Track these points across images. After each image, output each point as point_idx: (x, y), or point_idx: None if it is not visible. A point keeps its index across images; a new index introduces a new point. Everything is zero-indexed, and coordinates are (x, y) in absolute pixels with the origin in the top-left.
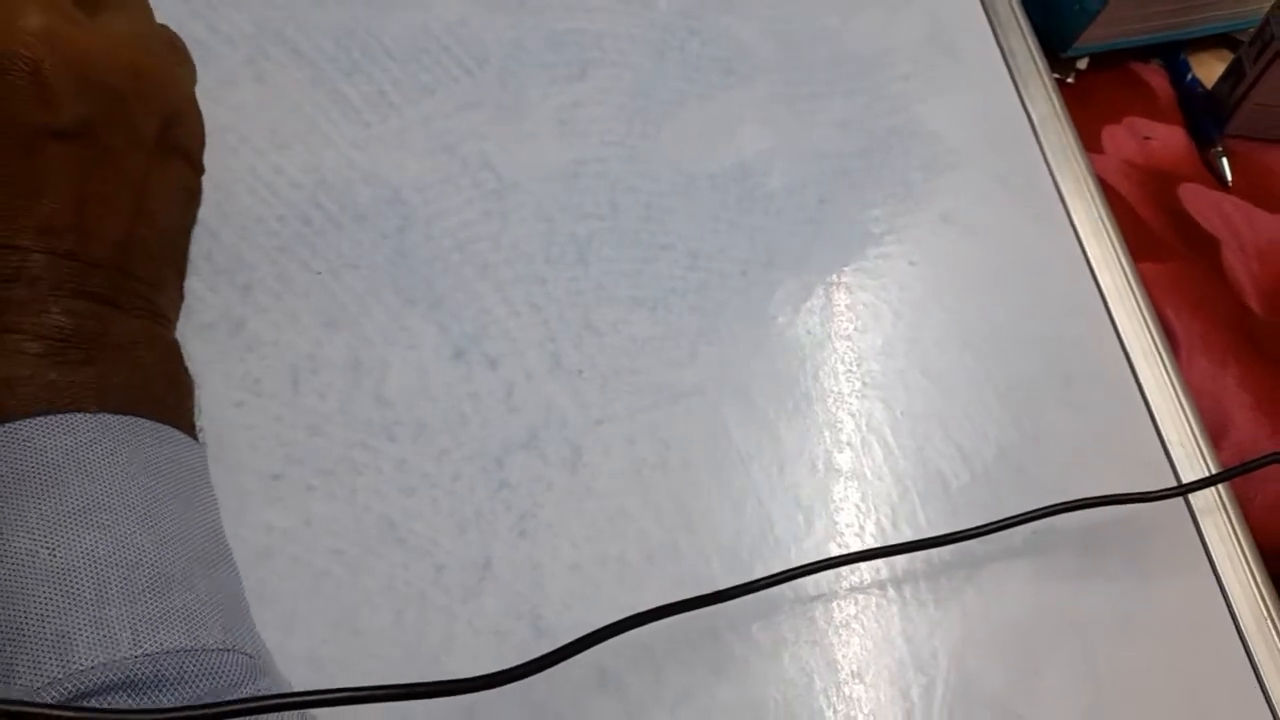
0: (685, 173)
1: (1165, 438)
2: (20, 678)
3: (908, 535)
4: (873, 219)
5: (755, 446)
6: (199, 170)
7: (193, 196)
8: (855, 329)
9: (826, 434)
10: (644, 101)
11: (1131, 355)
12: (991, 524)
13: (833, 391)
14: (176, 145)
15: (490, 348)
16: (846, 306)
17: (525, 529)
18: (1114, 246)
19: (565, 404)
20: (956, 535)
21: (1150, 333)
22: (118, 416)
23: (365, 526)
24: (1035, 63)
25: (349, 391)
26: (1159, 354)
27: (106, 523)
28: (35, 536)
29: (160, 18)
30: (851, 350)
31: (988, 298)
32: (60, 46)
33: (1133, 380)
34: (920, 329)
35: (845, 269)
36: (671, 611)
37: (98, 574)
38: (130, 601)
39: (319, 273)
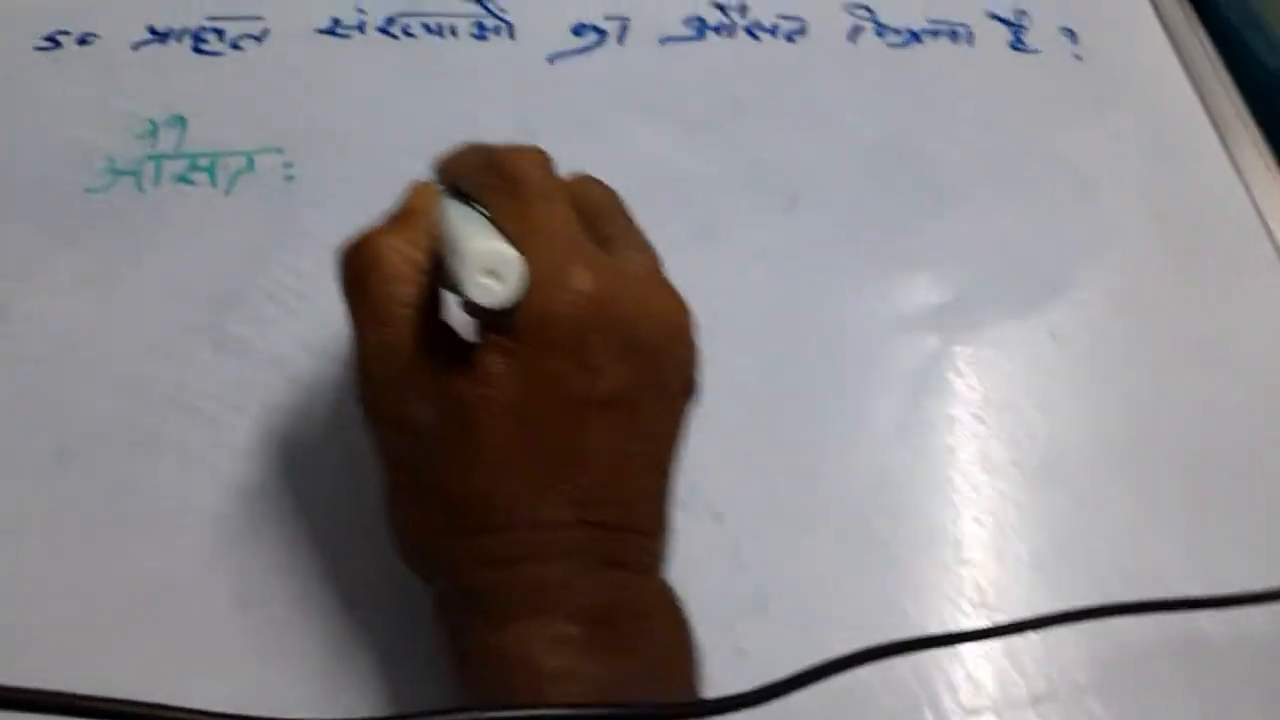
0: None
1: None
2: None
3: None
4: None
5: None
6: (696, 397)
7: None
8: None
9: None
10: (854, 231)
11: None
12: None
13: None
14: (689, 389)
15: (714, 497)
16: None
17: None
18: None
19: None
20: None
21: None
22: None
23: None
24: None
25: None
26: None
27: None
28: None
29: None
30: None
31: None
32: (606, 307)
33: None
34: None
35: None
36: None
37: None
38: None
39: None
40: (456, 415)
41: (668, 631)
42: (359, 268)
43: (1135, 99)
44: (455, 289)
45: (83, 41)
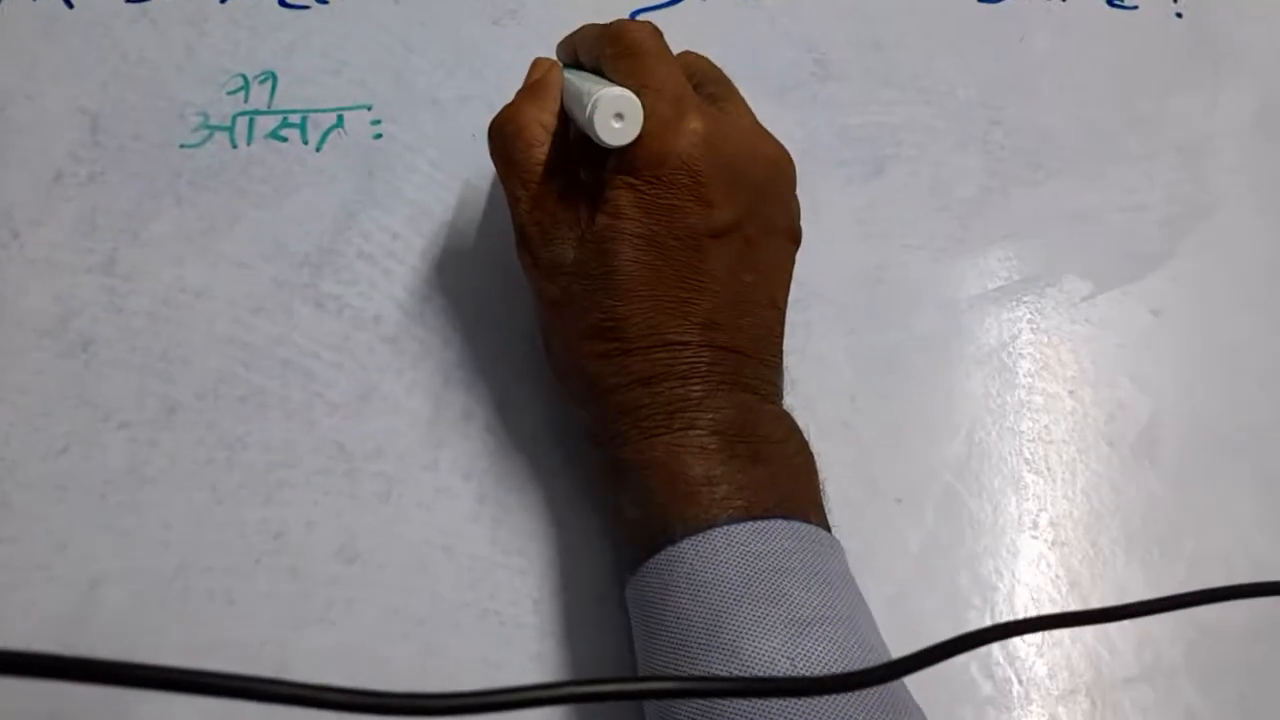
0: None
1: None
2: None
3: None
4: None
5: None
6: (798, 245)
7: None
8: None
9: None
10: (944, 199)
11: None
12: None
13: None
14: (793, 233)
15: None
16: None
17: None
18: None
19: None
20: None
21: None
22: (804, 525)
23: None
24: None
25: None
26: None
27: (832, 636)
28: (774, 642)
29: None
30: None
31: None
32: (717, 147)
33: None
34: None
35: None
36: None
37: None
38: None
39: None
40: (594, 246)
41: (796, 453)
42: (506, 138)
43: (1239, 60)
44: (588, 135)
45: None
